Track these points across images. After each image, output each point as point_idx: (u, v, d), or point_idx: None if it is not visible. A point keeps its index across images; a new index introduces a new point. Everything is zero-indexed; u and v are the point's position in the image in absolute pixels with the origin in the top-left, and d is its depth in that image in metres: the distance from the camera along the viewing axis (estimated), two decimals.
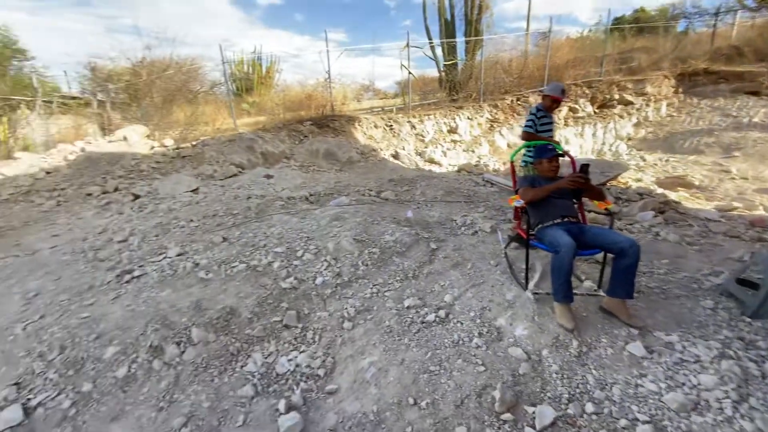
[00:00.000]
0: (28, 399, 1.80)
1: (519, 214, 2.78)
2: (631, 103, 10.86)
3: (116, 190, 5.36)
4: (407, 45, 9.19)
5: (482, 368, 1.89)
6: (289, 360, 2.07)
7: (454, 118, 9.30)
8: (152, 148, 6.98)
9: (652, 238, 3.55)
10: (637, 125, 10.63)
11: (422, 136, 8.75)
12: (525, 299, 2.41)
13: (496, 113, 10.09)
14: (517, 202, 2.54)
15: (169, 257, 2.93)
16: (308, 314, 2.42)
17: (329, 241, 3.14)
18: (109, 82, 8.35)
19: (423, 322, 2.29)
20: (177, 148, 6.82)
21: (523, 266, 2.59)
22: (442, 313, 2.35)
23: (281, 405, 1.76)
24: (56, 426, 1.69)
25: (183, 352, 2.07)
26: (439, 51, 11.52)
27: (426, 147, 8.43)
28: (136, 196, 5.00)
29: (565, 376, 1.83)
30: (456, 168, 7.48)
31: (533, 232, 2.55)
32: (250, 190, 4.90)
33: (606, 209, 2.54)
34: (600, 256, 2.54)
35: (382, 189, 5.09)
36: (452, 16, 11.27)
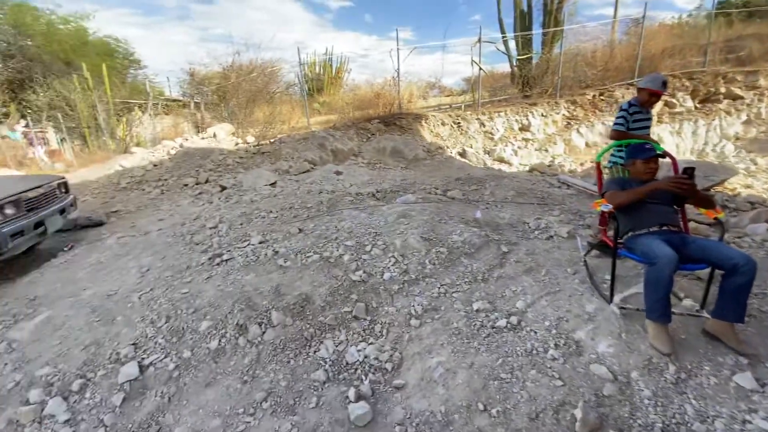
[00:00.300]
0: (143, 358, 2.11)
1: (605, 219, 2.54)
2: (741, 97, 9.27)
3: (207, 181, 6.02)
4: (479, 40, 8.91)
5: (559, 382, 1.77)
6: (359, 350, 2.15)
7: (526, 115, 8.80)
8: (236, 144, 7.69)
9: (765, 254, 3.01)
10: (747, 123, 9.06)
11: (491, 133, 8.43)
12: (609, 313, 2.20)
13: (574, 110, 9.32)
14: (604, 206, 2.31)
15: (252, 244, 3.21)
16: (376, 308, 2.48)
17: (396, 237, 3.18)
18: (203, 85, 9.40)
19: (493, 327, 2.21)
20: (257, 145, 7.44)
21: (605, 277, 2.36)
22: (513, 319, 2.25)
23: (351, 393, 1.83)
24: (163, 384, 1.96)
25: (264, 332, 2.25)
26: (512, 45, 10.96)
27: (495, 145, 8.11)
28: (223, 188, 5.55)
29: (659, 403, 1.64)
30: (527, 168, 7.08)
31: (622, 241, 2.31)
32: (321, 186, 5.16)
33: (715, 218, 2.21)
34: (704, 272, 2.22)
35: (449, 187, 5.01)
36: (529, 6, 10.64)
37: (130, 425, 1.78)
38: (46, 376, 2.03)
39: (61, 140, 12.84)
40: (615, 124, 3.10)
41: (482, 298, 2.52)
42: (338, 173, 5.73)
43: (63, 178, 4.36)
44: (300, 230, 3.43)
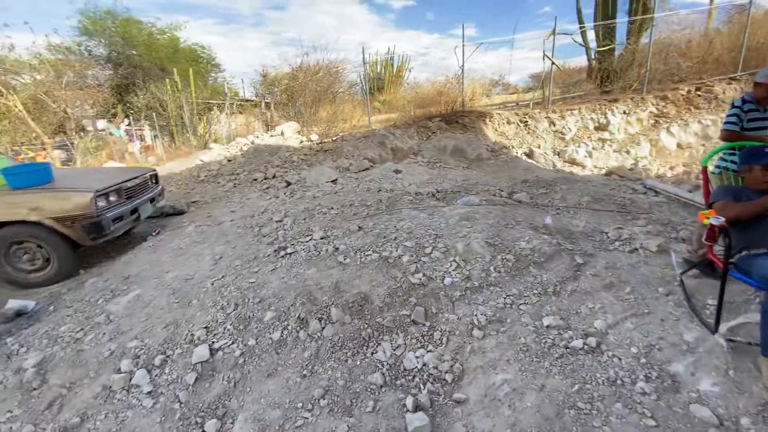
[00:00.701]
0: (213, 342, 2.24)
1: (714, 234, 2.16)
2: None
3: (274, 177, 6.35)
4: (553, 32, 8.27)
5: (652, 422, 1.53)
6: (417, 357, 2.07)
7: (604, 113, 7.99)
8: (301, 142, 8.04)
9: None
10: None
11: (562, 133, 7.80)
12: (713, 345, 1.87)
13: (664, 106, 8.26)
14: (714, 218, 1.96)
15: (314, 239, 3.29)
16: (436, 314, 2.38)
17: (458, 241, 3.04)
18: (273, 86, 9.99)
19: (567, 347, 1.99)
20: (320, 143, 7.70)
21: (707, 301, 2.01)
22: (591, 341, 2.00)
23: (409, 402, 1.76)
24: (230, 369, 2.06)
25: (323, 328, 2.27)
26: (591, 36, 10.03)
27: (566, 146, 7.49)
28: (288, 183, 5.82)
29: None
30: (604, 171, 6.42)
31: (734, 261, 1.95)
32: (380, 184, 5.16)
33: None
34: None
35: (515, 190, 4.71)
36: None
37: (201, 404, 1.89)
38: (134, 348, 2.25)
39: (154, 137, 14.57)
40: (726, 123, 2.64)
41: (554, 313, 2.29)
42: (397, 172, 5.69)
43: (154, 170, 4.88)
44: (360, 228, 3.44)
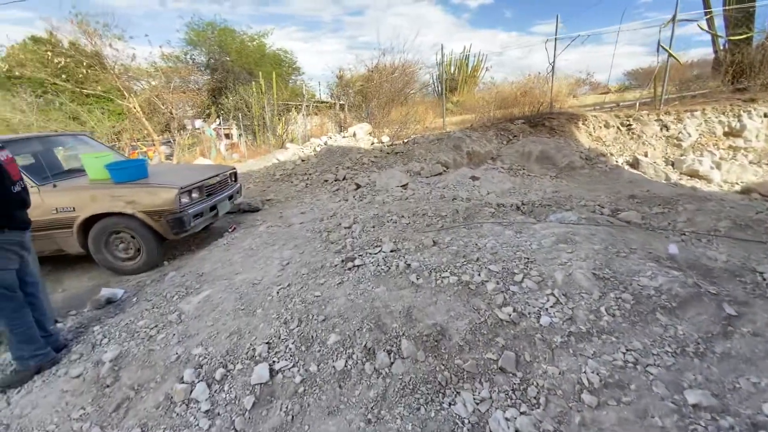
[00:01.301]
0: (273, 361, 2.07)
1: None
2: None
3: (344, 179, 6.28)
4: (672, 19, 6.97)
5: None
6: (507, 419, 1.65)
7: (738, 115, 6.52)
8: (372, 143, 7.91)
9: None
10: None
11: (678, 139, 6.53)
12: None
13: None
14: None
15: (384, 252, 3.01)
16: (530, 362, 1.92)
17: (557, 269, 2.51)
18: (348, 87, 10.08)
19: None
20: (391, 145, 7.48)
21: None
22: None
23: None
24: (288, 398, 1.85)
25: (392, 363, 1.96)
26: (718, 23, 8.35)
27: (683, 154, 6.24)
28: (358, 186, 5.67)
29: None
30: (738, 187, 5.17)
31: None
32: (455, 191, 4.73)
33: None
34: None
35: (620, 207, 3.93)
36: None
37: None
38: (198, 356, 2.17)
39: (239, 136, 15.84)
40: None
41: (700, 384, 1.70)
42: (474, 178, 5.20)
43: (234, 168, 5.06)
44: (434, 243, 3.08)
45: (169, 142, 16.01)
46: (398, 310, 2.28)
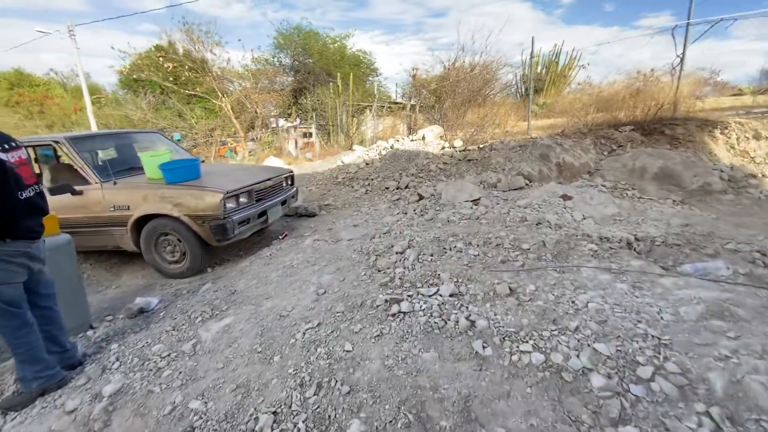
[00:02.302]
0: None
1: None
2: None
3: (407, 187, 5.67)
4: None
5: None
6: None
7: None
8: (443, 148, 7.17)
9: None
10: None
11: None
12: None
13: None
14: None
15: (441, 295, 2.32)
16: None
17: (712, 367, 1.57)
18: (423, 87, 9.44)
19: None
20: (464, 150, 6.66)
21: None
22: None
23: None
24: None
25: None
26: None
27: None
28: (420, 197, 5.01)
29: None
30: None
31: None
32: (540, 213, 3.81)
33: None
34: None
35: None
36: None
37: None
38: (194, 414, 1.75)
39: (315, 135, 16.25)
40: None
41: None
42: (566, 198, 4.19)
43: (290, 171, 4.78)
44: (511, 290, 2.30)
45: (254, 139, 17.12)
46: (452, 398, 1.59)
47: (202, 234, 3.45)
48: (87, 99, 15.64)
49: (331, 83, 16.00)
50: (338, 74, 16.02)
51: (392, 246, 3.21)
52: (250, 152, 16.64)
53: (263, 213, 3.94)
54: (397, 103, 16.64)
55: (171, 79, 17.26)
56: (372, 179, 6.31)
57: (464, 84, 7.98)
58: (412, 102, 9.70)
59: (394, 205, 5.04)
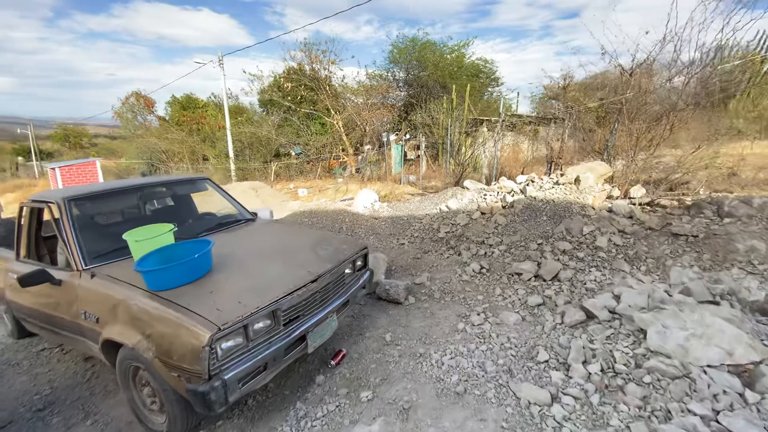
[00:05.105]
0: None
1: None
2: None
3: (555, 278, 3.35)
4: None
5: None
6: None
7: None
8: (610, 199, 4.54)
9: None
10: None
11: None
12: None
13: None
14: None
15: None
16: None
17: None
18: (571, 104, 6.76)
19: None
20: (655, 208, 3.95)
21: None
22: None
23: None
24: None
25: None
26: None
27: None
28: (589, 315, 2.67)
29: None
30: None
31: None
32: None
33: None
34: None
35: None
36: None
37: None
38: None
39: (423, 154, 14.66)
40: None
41: None
42: None
43: (364, 248, 3.03)
44: None
45: (360, 155, 16.54)
46: None
47: (181, 391, 1.93)
48: (227, 119, 17.31)
49: (444, 96, 14.21)
50: (453, 86, 14.15)
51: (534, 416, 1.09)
52: (357, 170, 16.06)
53: (302, 338, 2.28)
54: (520, 116, 13.83)
55: (289, 98, 17.97)
56: (491, 246, 4.17)
57: (652, 97, 5.01)
58: (556, 118, 7.06)
59: (532, 316, 2.84)
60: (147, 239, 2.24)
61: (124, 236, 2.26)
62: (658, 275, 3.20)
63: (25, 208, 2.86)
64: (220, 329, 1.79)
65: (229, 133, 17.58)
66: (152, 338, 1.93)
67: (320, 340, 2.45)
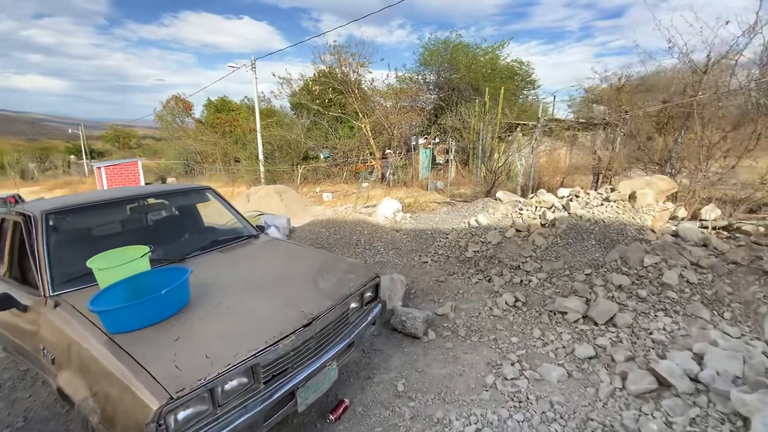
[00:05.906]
0: None
1: None
2: None
3: (611, 323, 2.71)
4: None
5: None
6: None
7: None
8: (675, 220, 3.80)
9: None
10: None
11: None
12: None
13: None
14: None
15: None
16: None
17: None
18: (621, 108, 5.94)
19: None
20: (733, 233, 3.21)
21: None
22: None
23: None
24: None
25: None
26: None
27: None
28: (661, 382, 2.05)
29: None
30: None
31: None
32: None
33: None
34: None
35: None
36: None
37: None
38: None
39: (452, 158, 14.04)
40: None
41: None
42: None
43: (376, 277, 2.56)
44: None
45: (388, 159, 16.13)
46: None
47: None
48: (258, 121, 17.49)
49: (476, 100, 13.52)
50: (486, 89, 13.43)
51: None
52: (382, 175, 15.66)
53: (291, 395, 1.84)
54: (558, 120, 12.87)
55: (317, 102, 17.86)
56: (528, 273, 3.57)
57: (723, 102, 4.15)
58: (604, 123, 6.23)
59: (581, 373, 2.26)
60: (114, 267, 1.88)
61: (88, 263, 1.91)
62: (748, 326, 2.50)
63: (5, 220, 2.62)
64: (171, 398, 1.37)
65: (259, 135, 17.73)
66: (98, 398, 1.55)
67: (314, 395, 2.00)
